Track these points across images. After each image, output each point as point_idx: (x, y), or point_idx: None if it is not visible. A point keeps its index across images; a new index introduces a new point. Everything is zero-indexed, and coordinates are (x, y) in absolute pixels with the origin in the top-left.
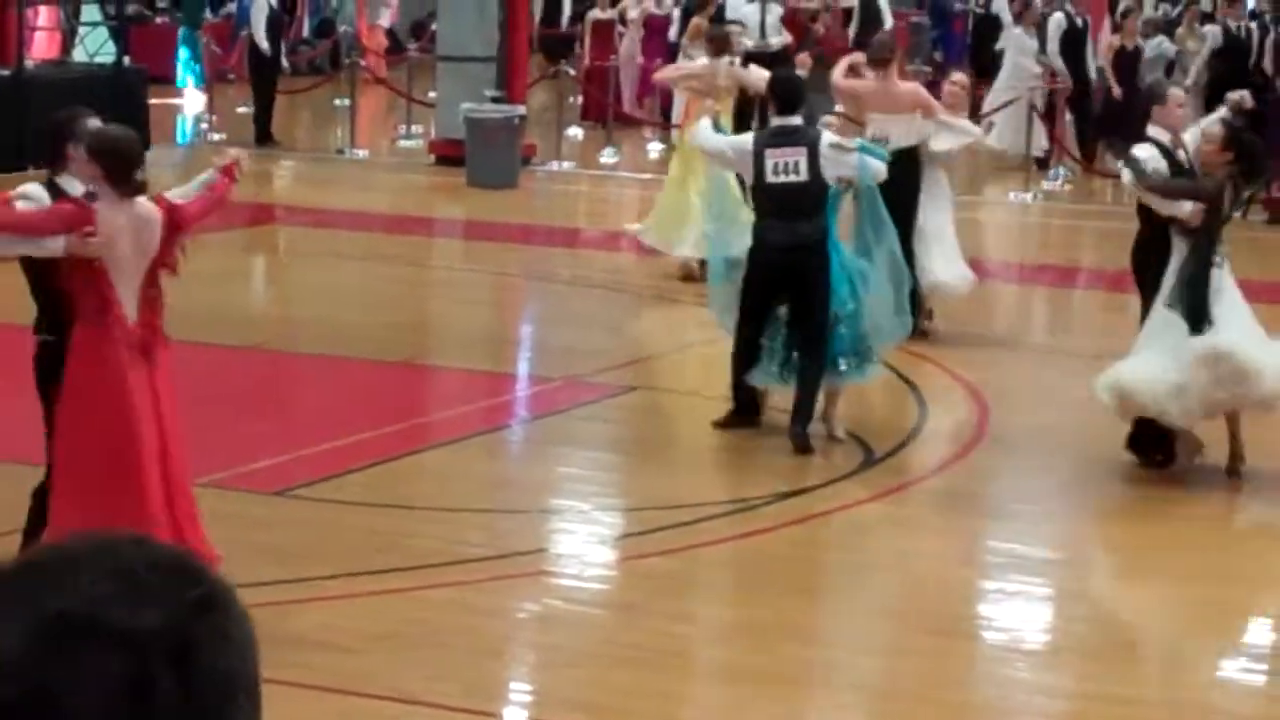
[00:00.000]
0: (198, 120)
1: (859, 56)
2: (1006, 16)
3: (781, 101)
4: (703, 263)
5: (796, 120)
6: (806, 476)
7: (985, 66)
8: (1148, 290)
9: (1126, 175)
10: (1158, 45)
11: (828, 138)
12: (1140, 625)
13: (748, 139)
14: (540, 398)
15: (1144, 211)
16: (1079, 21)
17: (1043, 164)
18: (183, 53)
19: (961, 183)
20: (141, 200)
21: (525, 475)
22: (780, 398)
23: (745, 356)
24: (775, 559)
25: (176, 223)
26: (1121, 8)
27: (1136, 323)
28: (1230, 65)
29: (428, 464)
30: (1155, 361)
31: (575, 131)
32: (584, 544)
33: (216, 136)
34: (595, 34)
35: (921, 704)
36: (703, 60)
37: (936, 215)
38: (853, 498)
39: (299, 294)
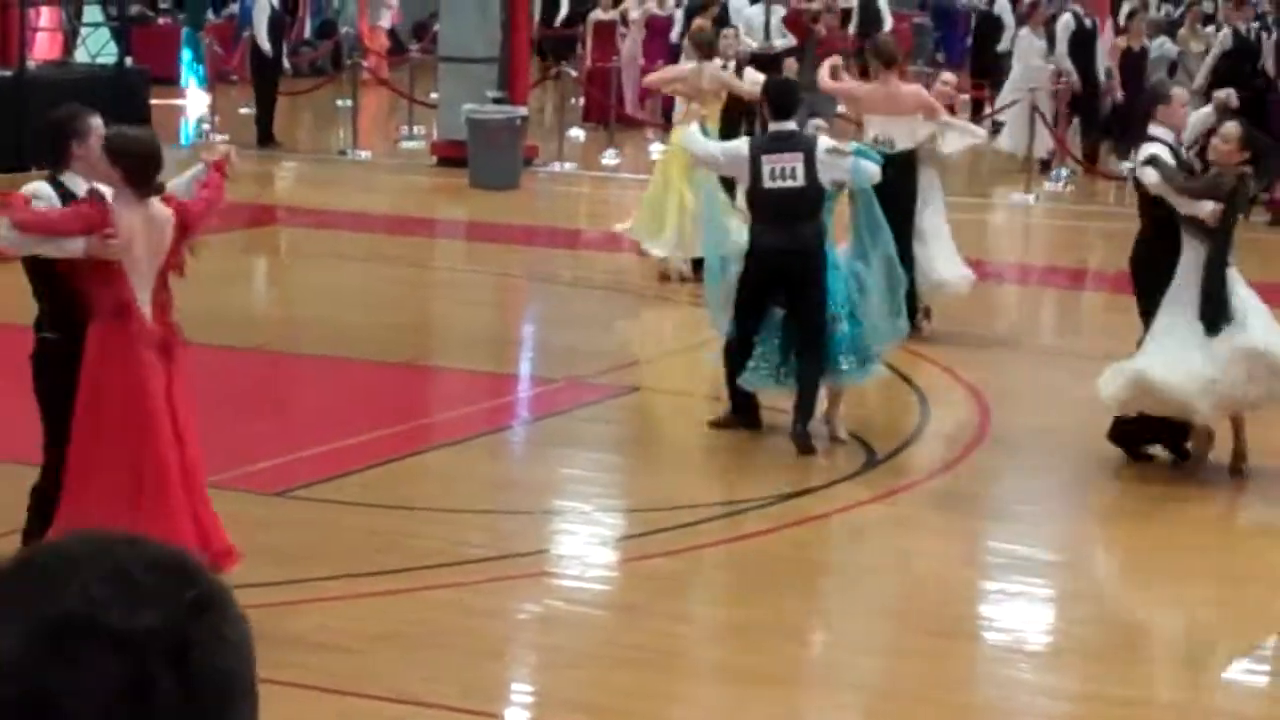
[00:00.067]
0: (200, 121)
1: (838, 59)
2: (1008, 18)
3: (776, 107)
4: (697, 263)
5: (791, 125)
6: (808, 477)
7: (987, 67)
8: (1149, 289)
9: (1152, 176)
10: (1159, 46)
11: (824, 142)
12: (1142, 626)
13: (742, 145)
14: (542, 399)
15: (1148, 212)
16: (1088, 22)
17: (1047, 166)
18: (186, 54)
19: (964, 184)
20: (154, 200)
21: (527, 476)
22: (781, 399)
23: (738, 357)
24: (777, 560)
25: (186, 223)
26: (1128, 9)
27: (1138, 323)
28: (1238, 67)
29: (429, 465)
30: (1185, 358)
31: (577, 133)
32: (585, 545)
33: (219, 137)
34: (597, 35)
35: (923, 705)
36: (691, 64)
37: (933, 216)
38: (854, 499)
39: (301, 295)
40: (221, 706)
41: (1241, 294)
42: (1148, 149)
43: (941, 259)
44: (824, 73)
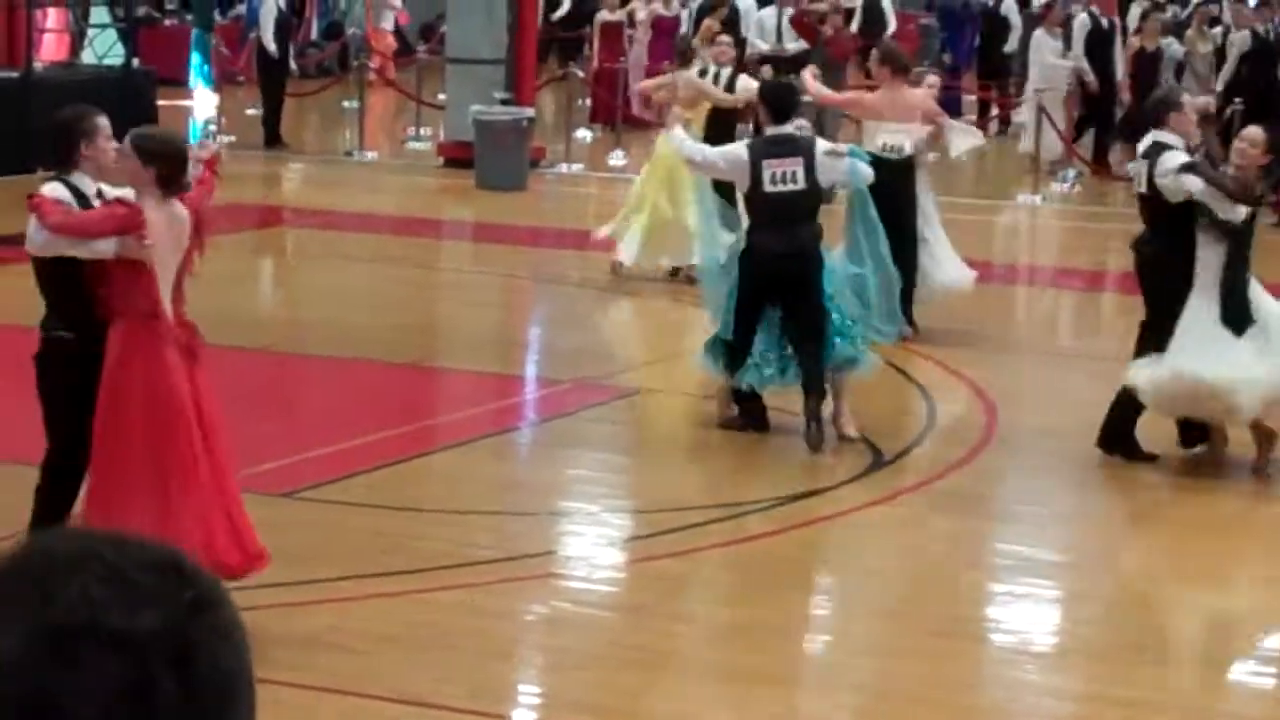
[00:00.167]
0: (207, 122)
1: (815, 69)
2: (1015, 18)
3: (775, 110)
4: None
5: (790, 129)
6: (815, 479)
7: (994, 69)
8: (1163, 294)
9: (1197, 183)
10: (1167, 47)
11: (822, 145)
12: (1148, 628)
13: (741, 149)
14: (548, 400)
15: (1161, 217)
16: (1104, 22)
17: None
18: (195, 56)
19: (971, 185)
20: (174, 200)
21: (533, 477)
22: (781, 401)
23: (737, 357)
24: (783, 561)
25: (200, 222)
26: (1141, 9)
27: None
28: (1258, 68)
29: (436, 466)
30: (1232, 358)
31: (584, 134)
32: (592, 546)
33: (225, 138)
34: (604, 36)
35: (928, 706)
36: (673, 73)
37: (931, 221)
38: (861, 500)
39: (307, 296)
40: (222, 707)
41: (1254, 291)
42: (1176, 157)
43: (945, 263)
44: (818, 86)
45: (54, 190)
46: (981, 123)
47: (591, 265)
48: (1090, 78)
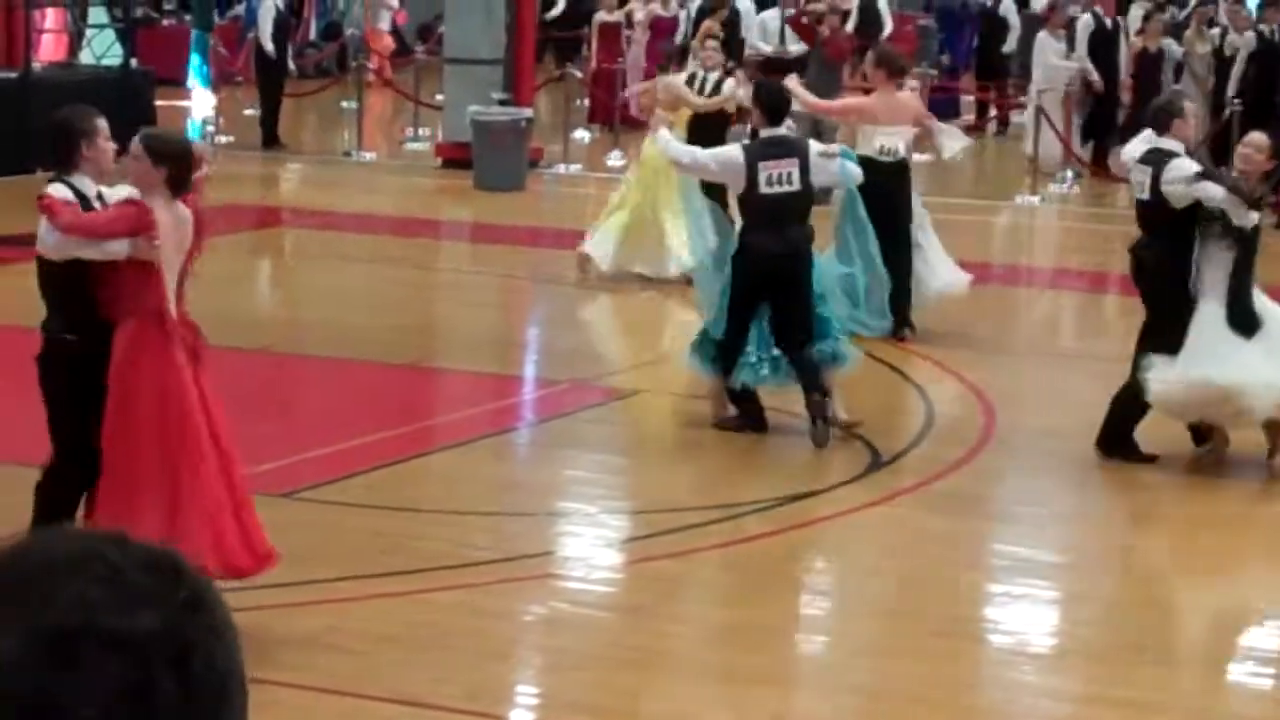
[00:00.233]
0: (205, 123)
1: (795, 76)
2: (1014, 19)
3: (771, 113)
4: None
5: (784, 130)
6: (813, 479)
7: (993, 70)
8: (1166, 300)
9: (1217, 190)
10: (1165, 48)
11: (815, 146)
12: (1147, 628)
13: (736, 151)
14: (547, 400)
15: (1164, 223)
16: (1108, 23)
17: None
18: (194, 57)
19: (970, 186)
20: (178, 201)
21: (532, 478)
22: (776, 399)
23: (730, 357)
24: (782, 561)
25: (201, 224)
26: (1144, 11)
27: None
28: (1266, 67)
29: (434, 466)
30: (1242, 360)
31: (582, 134)
32: (590, 547)
33: (224, 139)
34: (602, 37)
35: (926, 707)
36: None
37: (922, 225)
38: (859, 500)
39: (306, 297)
40: (218, 706)
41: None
42: (1187, 164)
43: (938, 266)
44: (807, 94)
45: (61, 193)
46: (980, 123)
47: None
48: (1095, 77)
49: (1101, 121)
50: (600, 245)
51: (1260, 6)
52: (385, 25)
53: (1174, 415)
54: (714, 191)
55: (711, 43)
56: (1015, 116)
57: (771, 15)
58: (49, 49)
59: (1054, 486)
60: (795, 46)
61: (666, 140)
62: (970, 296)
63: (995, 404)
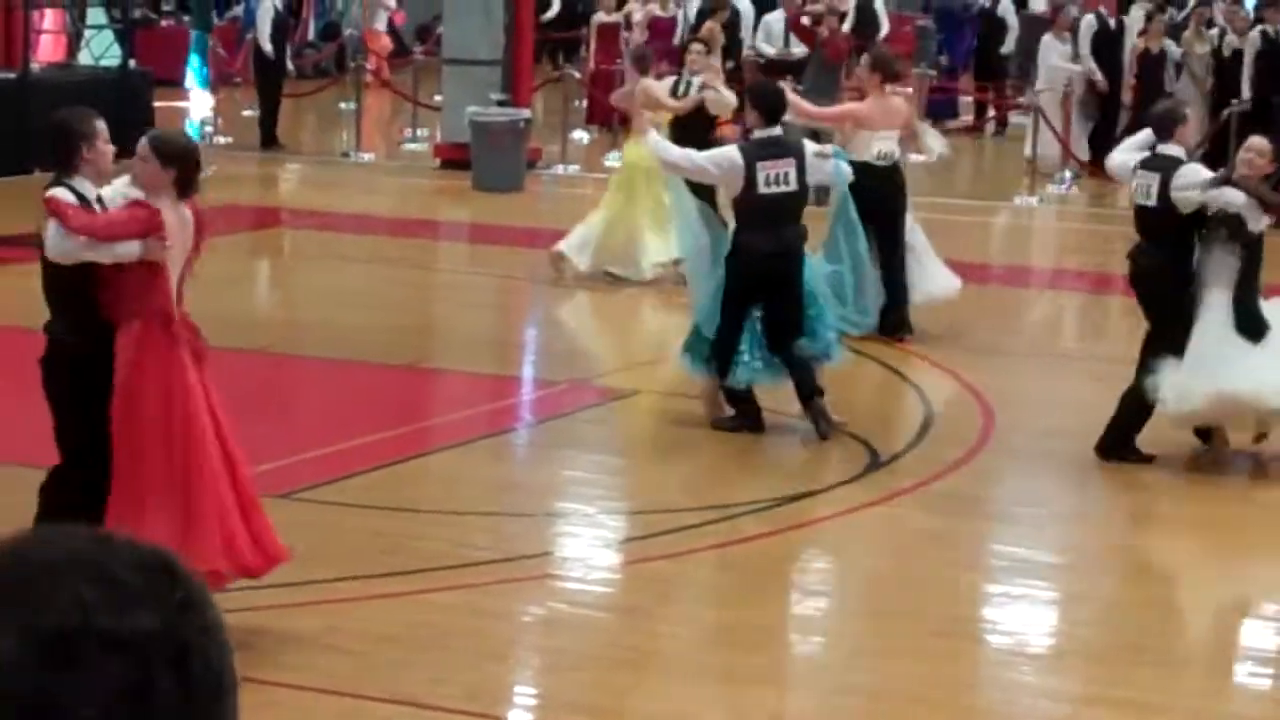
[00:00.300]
0: (203, 123)
1: (791, 81)
2: (1012, 19)
3: (768, 113)
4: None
5: (779, 131)
6: (811, 479)
7: (992, 70)
8: (1170, 306)
9: (1239, 196)
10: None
11: (811, 147)
12: (1145, 629)
13: (734, 153)
14: (545, 401)
15: (1171, 229)
16: (1112, 23)
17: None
18: (194, 58)
19: (968, 186)
20: (182, 203)
21: (530, 478)
22: (772, 400)
23: (725, 357)
24: (779, 562)
25: (201, 225)
26: (1145, 12)
27: (1143, 328)
28: (1272, 66)
29: (433, 467)
30: (1254, 363)
31: (580, 135)
32: (589, 547)
33: (222, 140)
34: (600, 37)
35: (925, 707)
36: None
37: (914, 229)
38: (857, 501)
39: (304, 297)
40: (215, 704)
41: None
42: (1200, 170)
43: (930, 269)
44: (806, 104)
45: (67, 197)
46: (978, 124)
47: None
48: (1099, 78)
49: (1104, 123)
50: (577, 245)
51: (1257, 6)
52: (382, 26)
53: (1188, 425)
54: (701, 191)
55: (696, 46)
56: (1014, 117)
57: (775, 17)
58: (47, 50)
59: (1053, 487)
60: (799, 49)
61: (658, 143)
62: (969, 297)
63: (994, 404)
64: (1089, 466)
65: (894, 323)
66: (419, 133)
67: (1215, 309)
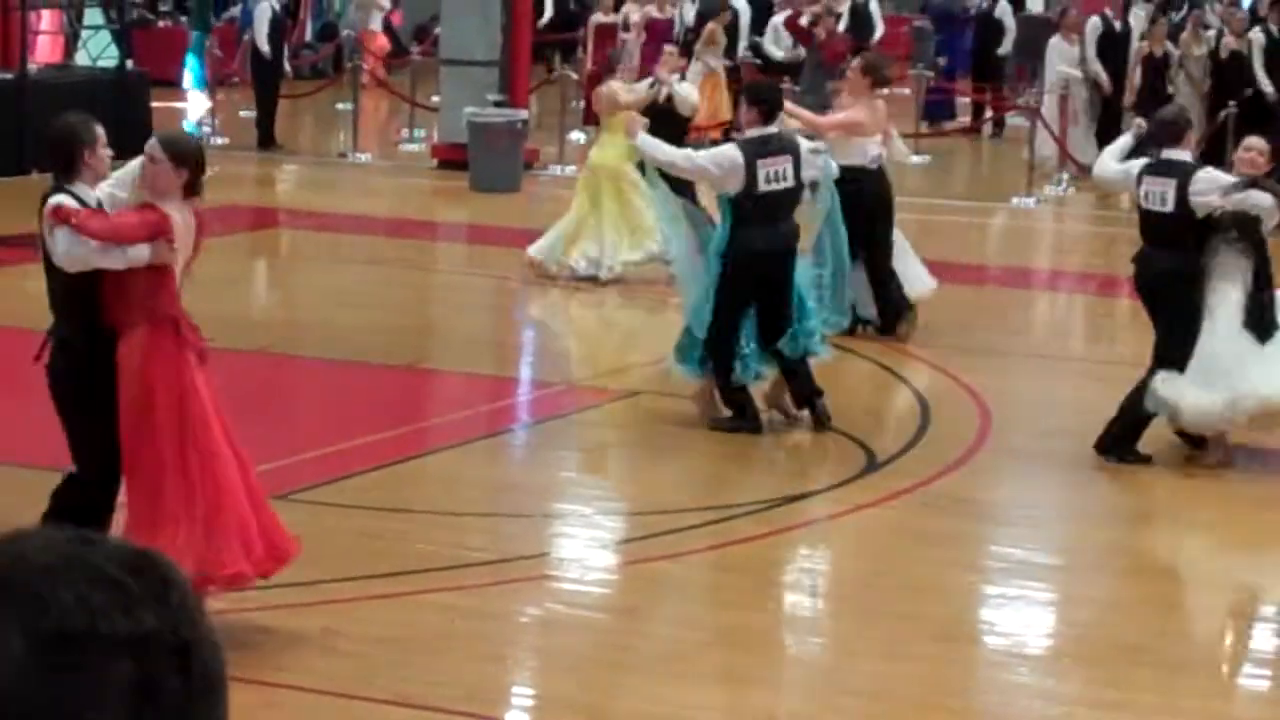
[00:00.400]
0: (200, 124)
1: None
2: (1009, 21)
3: (766, 111)
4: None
5: (774, 128)
6: (809, 481)
7: (990, 71)
8: (1180, 306)
9: (1266, 198)
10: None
11: (805, 144)
12: (1143, 630)
13: (734, 151)
14: (543, 402)
15: (1189, 233)
16: (1117, 25)
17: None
18: (192, 59)
19: (965, 187)
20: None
21: (528, 479)
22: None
23: (727, 356)
24: (776, 564)
25: (200, 225)
26: (1146, 14)
27: (1136, 326)
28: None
29: (430, 468)
30: (1266, 361)
31: (578, 135)
32: (586, 548)
33: (219, 140)
34: (598, 38)
35: (923, 709)
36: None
37: (895, 231)
38: (855, 502)
39: (301, 298)
40: (212, 700)
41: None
42: (1217, 175)
43: (910, 270)
44: (810, 114)
45: (69, 203)
46: (976, 125)
47: None
48: (1104, 80)
49: (1107, 126)
50: (545, 248)
51: (1253, 7)
52: (377, 26)
53: (1204, 430)
54: (680, 187)
55: (670, 47)
56: (1011, 118)
57: (779, 19)
58: (44, 50)
59: (1050, 488)
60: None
61: (652, 144)
62: (967, 298)
63: (991, 405)
64: (1087, 467)
65: (893, 318)
66: (416, 133)
67: (1225, 308)
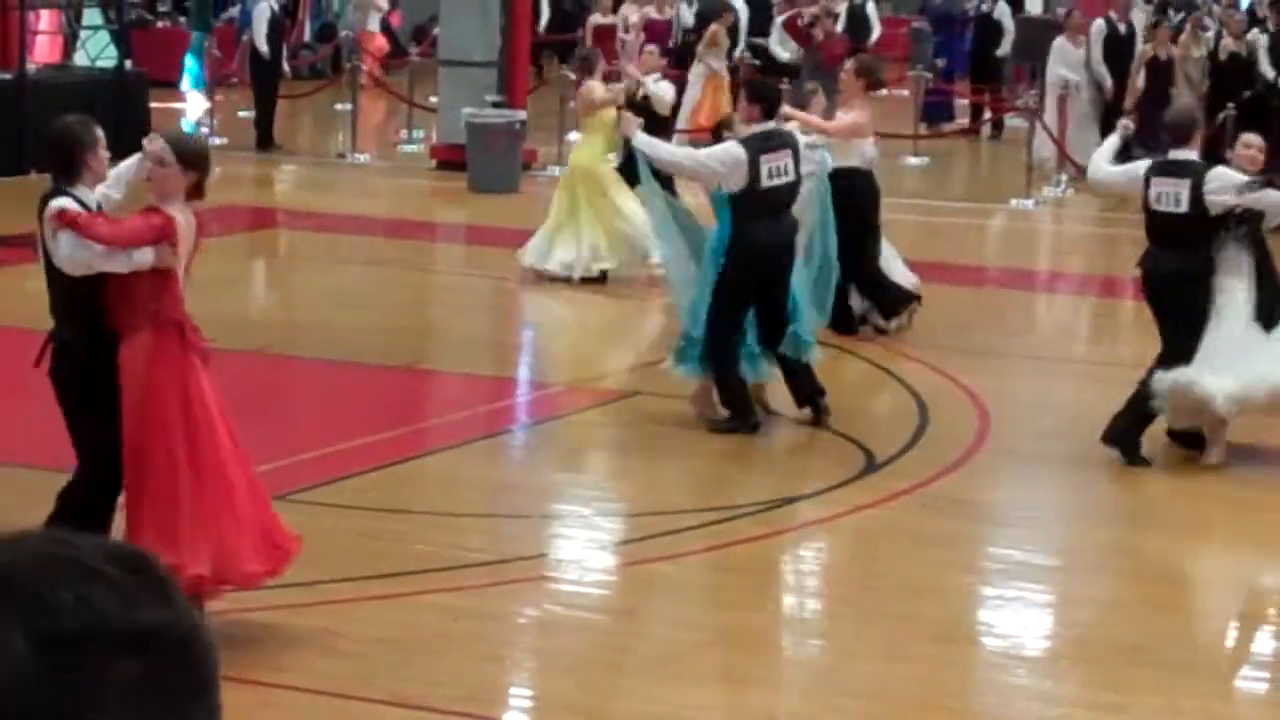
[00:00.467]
0: (198, 125)
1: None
2: (1008, 22)
3: (767, 107)
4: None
5: (773, 124)
6: (807, 482)
7: (988, 73)
8: (1187, 306)
9: (1278, 195)
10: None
11: (803, 138)
12: (1142, 632)
13: (738, 149)
14: (541, 402)
15: (1190, 232)
16: (1122, 28)
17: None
18: (191, 59)
19: (964, 189)
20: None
21: (526, 480)
22: (773, 402)
23: (729, 354)
24: (774, 565)
25: (200, 226)
26: (1149, 16)
27: (1136, 327)
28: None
29: (429, 469)
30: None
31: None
32: (585, 549)
33: (218, 141)
34: (596, 39)
35: (921, 710)
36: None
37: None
38: (853, 503)
39: (300, 298)
40: (209, 694)
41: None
42: (1230, 174)
43: (897, 270)
44: (820, 120)
45: (73, 207)
46: (974, 126)
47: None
48: (1108, 84)
49: (1110, 129)
50: (531, 251)
51: (1250, 9)
52: (375, 26)
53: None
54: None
55: (651, 47)
56: (1010, 120)
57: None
58: (43, 51)
59: (1049, 489)
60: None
61: (653, 144)
62: (965, 299)
63: (990, 407)
64: (1086, 468)
65: (892, 312)
66: (415, 134)
67: (1233, 304)
